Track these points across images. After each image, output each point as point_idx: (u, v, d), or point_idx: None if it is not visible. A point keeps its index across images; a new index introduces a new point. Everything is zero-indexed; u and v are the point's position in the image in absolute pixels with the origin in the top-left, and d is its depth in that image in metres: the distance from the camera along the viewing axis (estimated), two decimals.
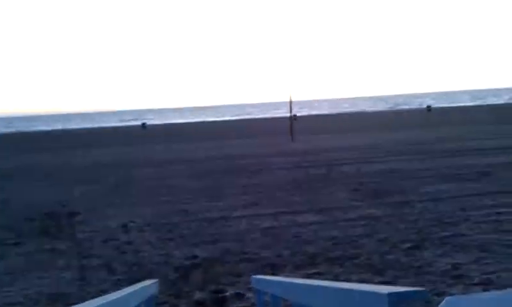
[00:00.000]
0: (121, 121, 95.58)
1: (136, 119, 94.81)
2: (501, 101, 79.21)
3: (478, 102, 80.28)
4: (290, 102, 25.99)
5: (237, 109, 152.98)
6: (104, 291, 4.83)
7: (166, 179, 13.56)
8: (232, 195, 10.50)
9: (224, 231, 7.59)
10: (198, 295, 5.10)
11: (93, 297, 2.24)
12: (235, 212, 8.80)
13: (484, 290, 4.71)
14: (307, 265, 5.75)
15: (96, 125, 78.37)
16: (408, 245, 6.21)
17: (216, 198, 10.25)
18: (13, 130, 79.00)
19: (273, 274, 5.30)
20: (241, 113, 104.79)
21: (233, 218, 8.40)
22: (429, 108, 57.45)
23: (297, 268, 5.67)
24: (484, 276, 5.04)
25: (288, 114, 27.23)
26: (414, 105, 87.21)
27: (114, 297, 1.77)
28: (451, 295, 1.02)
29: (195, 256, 6.32)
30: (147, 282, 3.00)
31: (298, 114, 48.18)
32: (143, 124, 57.66)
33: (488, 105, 63.15)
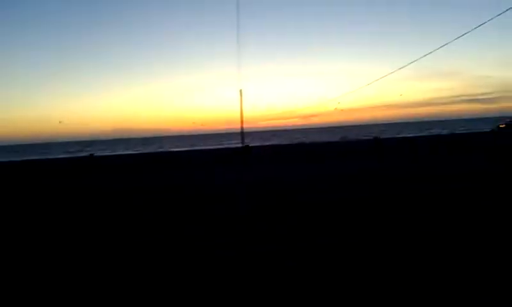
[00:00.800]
0: (67, 152, 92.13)
1: (81, 151, 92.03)
2: (444, 131, 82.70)
3: (424, 133, 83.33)
4: (242, 133, 25.89)
5: (191, 139, 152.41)
6: None
7: (117, 210, 12.89)
8: (184, 226, 10.08)
9: (179, 263, 7.16)
10: None
11: None
12: (191, 243, 8.44)
13: None
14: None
15: (39, 157, 75.14)
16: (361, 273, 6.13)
17: (168, 229, 9.82)
18: None
19: None
20: (195, 144, 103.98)
21: (190, 249, 7.98)
22: (376, 138, 58.97)
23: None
24: None
25: (240, 144, 27.06)
26: (362, 135, 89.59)
27: None
28: None
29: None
30: None
31: (251, 145, 48.18)
32: (91, 155, 55.96)
33: (433, 136, 65.61)
